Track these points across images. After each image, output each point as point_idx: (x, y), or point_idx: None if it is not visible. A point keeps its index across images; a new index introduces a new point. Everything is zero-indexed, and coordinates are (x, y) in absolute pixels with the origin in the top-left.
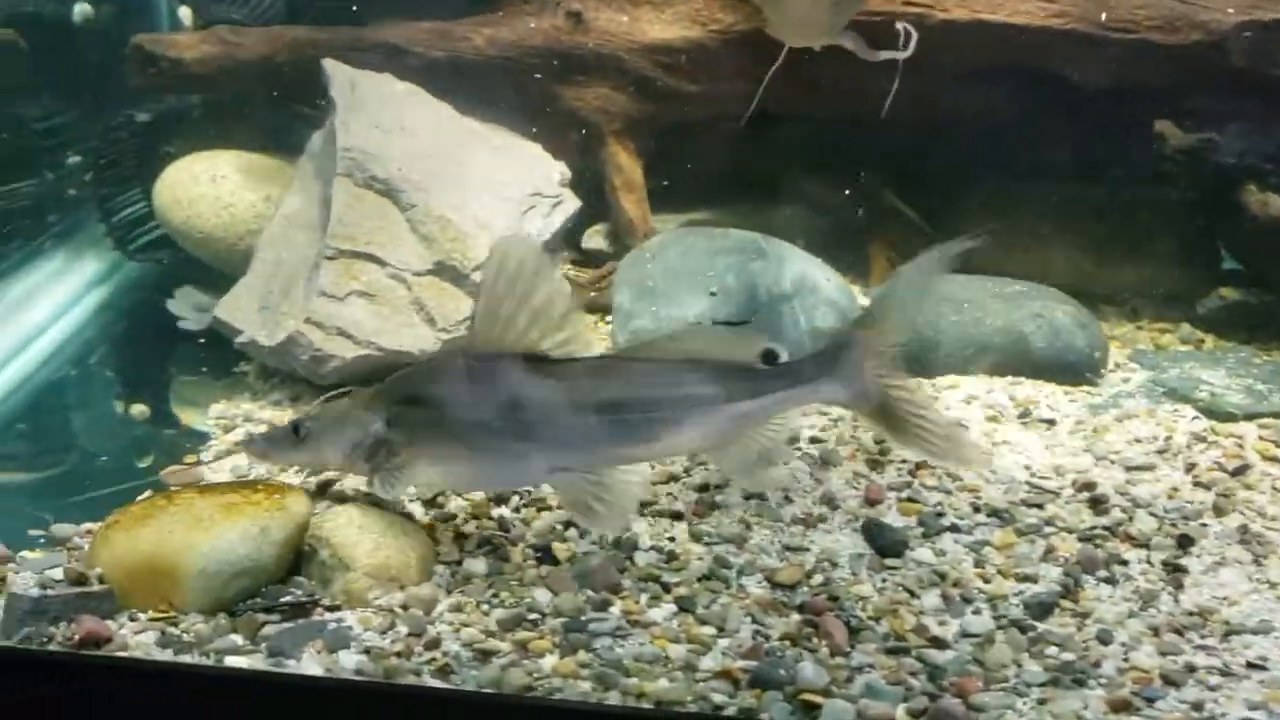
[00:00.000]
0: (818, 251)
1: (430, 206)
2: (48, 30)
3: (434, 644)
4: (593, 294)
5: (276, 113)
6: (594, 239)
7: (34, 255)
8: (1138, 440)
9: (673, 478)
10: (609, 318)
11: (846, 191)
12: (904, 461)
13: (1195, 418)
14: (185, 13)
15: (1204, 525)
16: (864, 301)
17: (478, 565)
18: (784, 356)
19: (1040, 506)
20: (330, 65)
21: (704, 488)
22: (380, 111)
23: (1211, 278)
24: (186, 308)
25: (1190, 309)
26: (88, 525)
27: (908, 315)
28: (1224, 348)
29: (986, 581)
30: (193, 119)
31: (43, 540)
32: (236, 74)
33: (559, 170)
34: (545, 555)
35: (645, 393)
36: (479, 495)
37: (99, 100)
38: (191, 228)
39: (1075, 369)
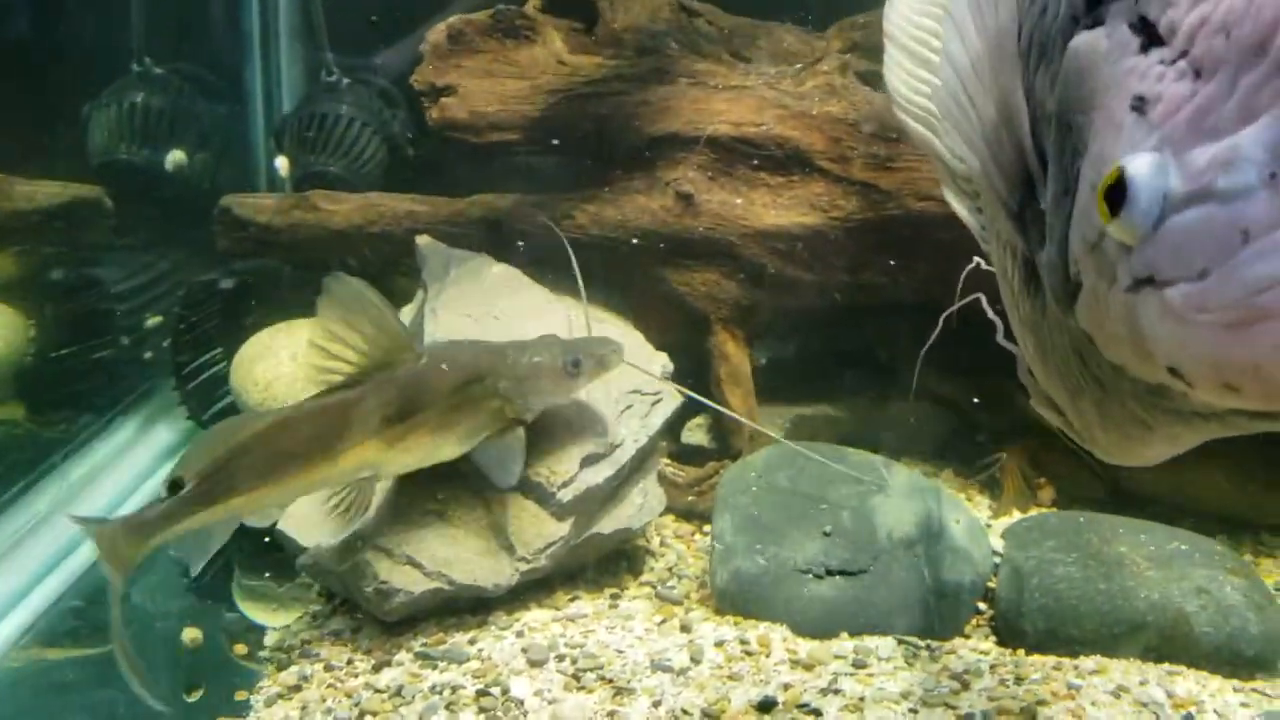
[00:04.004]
0: (944, 459)
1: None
2: (137, 182)
3: None
4: (690, 498)
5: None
6: (695, 434)
7: (105, 426)
8: None
9: None
10: (708, 528)
11: (975, 393)
12: None
13: None
14: (281, 163)
15: None
16: (996, 545)
17: None
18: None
19: None
20: (424, 244)
21: None
22: (473, 297)
23: None
24: None
25: None
26: None
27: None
28: None
29: None
30: (280, 282)
31: None
32: (328, 244)
33: (660, 363)
34: None
35: None
36: None
37: (187, 259)
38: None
39: (1246, 661)
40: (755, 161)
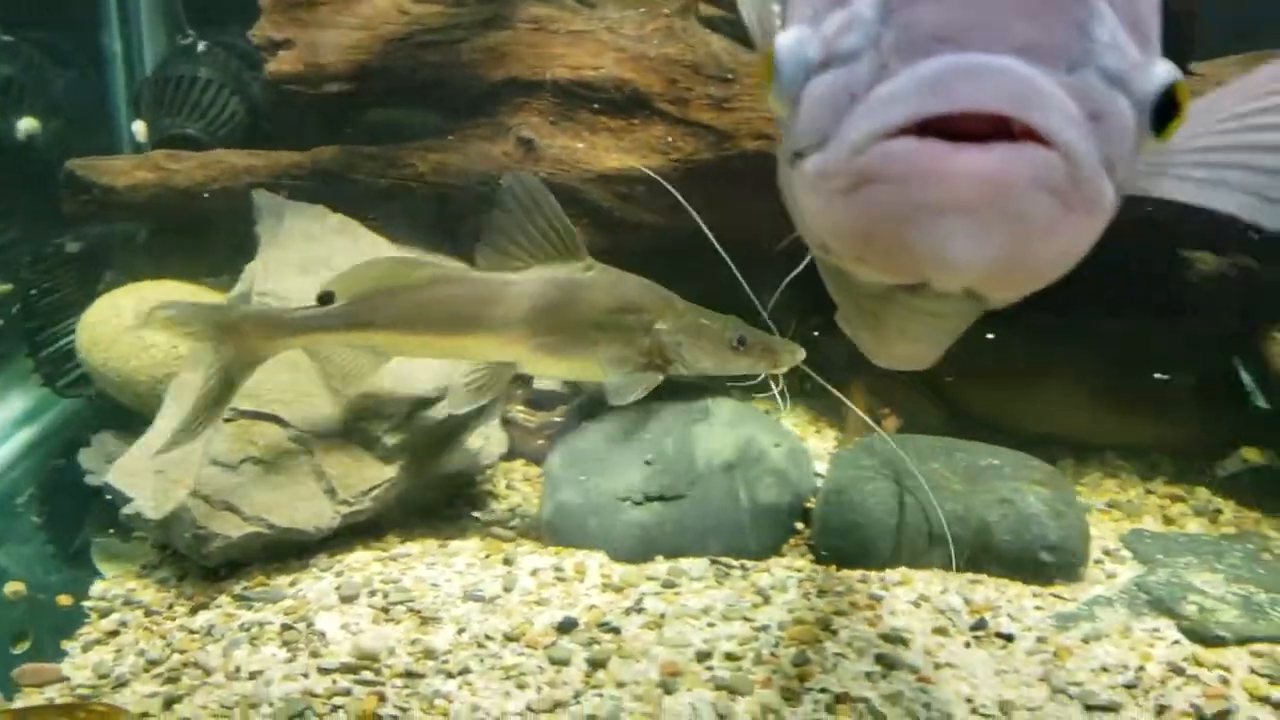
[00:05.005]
0: (794, 394)
1: (346, 358)
2: None
3: None
4: (540, 442)
5: (219, 242)
6: (547, 380)
7: None
8: (1105, 669)
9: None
10: None
11: (818, 329)
12: (824, 691)
13: (1177, 641)
14: (139, 127)
15: None
16: (820, 468)
17: None
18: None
19: None
20: (260, 196)
21: None
22: (307, 248)
23: (1235, 432)
24: (98, 459)
25: (1211, 467)
26: None
27: None
28: (1245, 519)
29: None
30: (136, 244)
31: None
32: (172, 202)
33: None
34: None
35: None
36: None
37: (39, 224)
38: (111, 369)
39: (1046, 566)
40: (596, 105)
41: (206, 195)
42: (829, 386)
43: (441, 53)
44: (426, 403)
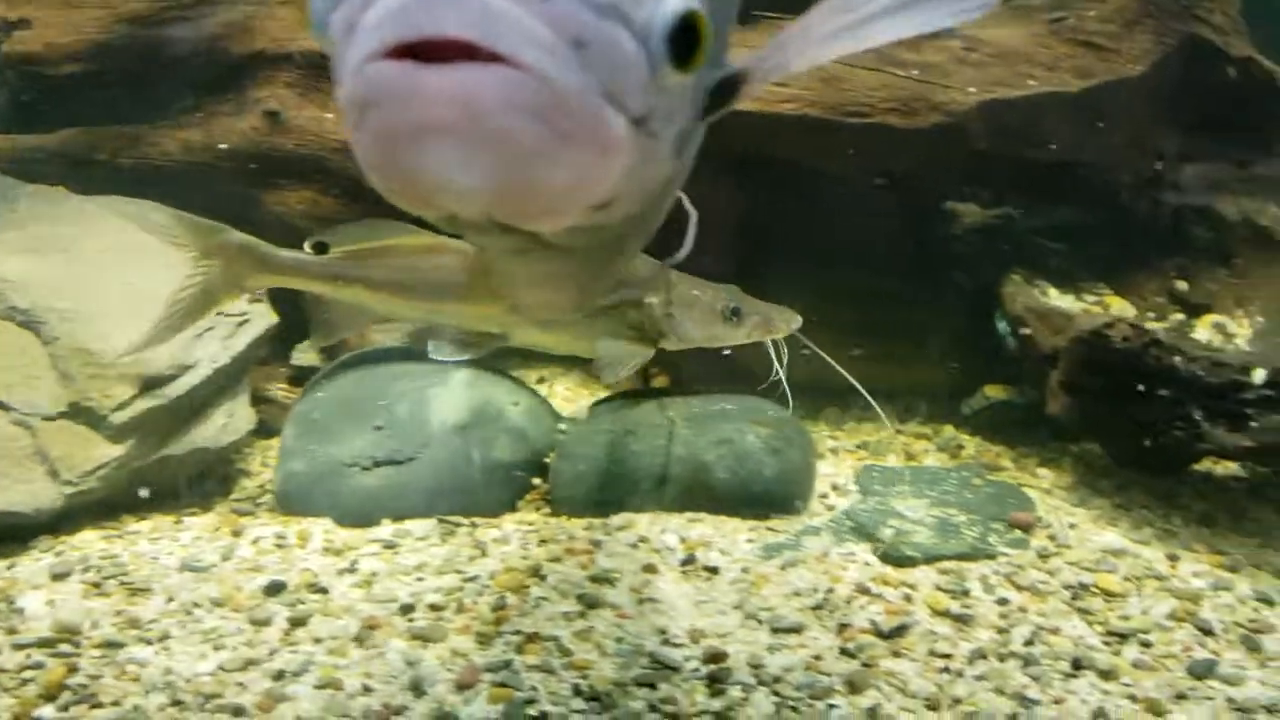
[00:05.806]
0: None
1: (75, 338)
2: None
3: None
4: None
5: None
6: (307, 355)
7: None
8: (797, 593)
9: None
10: None
11: None
12: (516, 633)
13: (869, 563)
14: None
15: (831, 707)
16: (561, 427)
17: None
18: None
19: (653, 686)
20: None
21: None
22: (40, 231)
23: (989, 374)
24: None
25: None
26: None
27: None
28: (987, 453)
29: None
30: None
31: None
32: None
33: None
34: None
35: None
36: None
37: None
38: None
39: (764, 502)
40: None
41: None
42: (823, 355)
43: (187, 29)
44: (160, 380)
